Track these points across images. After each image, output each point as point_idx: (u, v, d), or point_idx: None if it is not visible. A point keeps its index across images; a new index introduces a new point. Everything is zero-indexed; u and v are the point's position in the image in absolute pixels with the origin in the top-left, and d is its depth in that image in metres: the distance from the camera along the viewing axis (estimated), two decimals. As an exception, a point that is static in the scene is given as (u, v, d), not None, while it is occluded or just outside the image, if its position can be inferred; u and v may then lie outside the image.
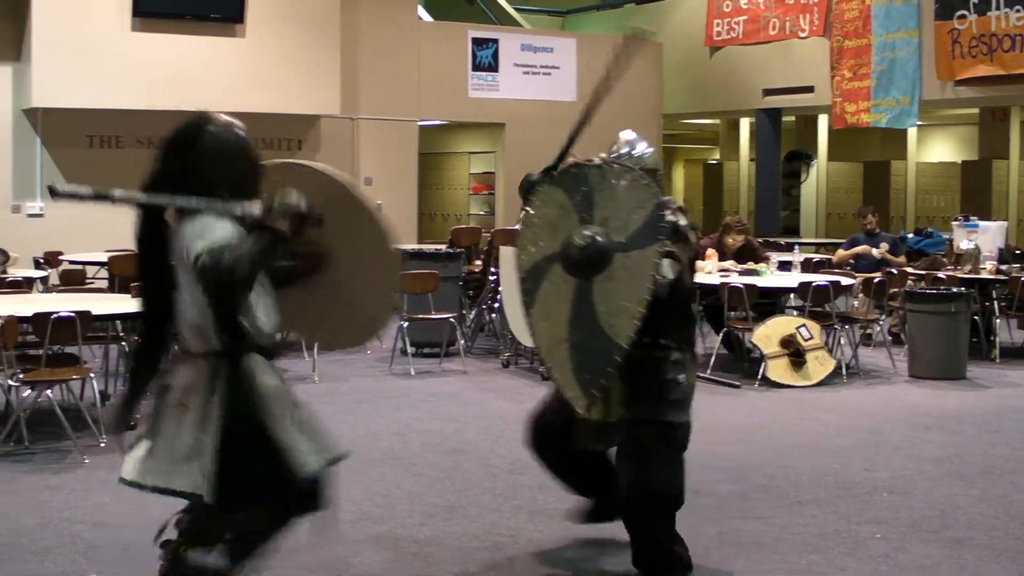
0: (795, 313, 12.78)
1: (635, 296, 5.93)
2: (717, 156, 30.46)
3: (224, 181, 5.01)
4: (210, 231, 4.78)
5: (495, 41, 20.98)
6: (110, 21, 16.42)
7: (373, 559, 6.54)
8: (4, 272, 12.49)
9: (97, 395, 9.81)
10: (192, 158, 5.02)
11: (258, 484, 5.05)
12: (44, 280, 13.28)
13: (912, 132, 25.44)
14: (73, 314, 8.86)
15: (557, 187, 6.31)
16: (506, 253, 13.06)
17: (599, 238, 6.01)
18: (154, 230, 5.06)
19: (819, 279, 12.60)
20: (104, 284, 13.48)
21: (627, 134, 6.83)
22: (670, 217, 6.10)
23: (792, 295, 12.89)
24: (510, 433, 9.59)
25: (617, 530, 6.50)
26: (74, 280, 13.25)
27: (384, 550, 6.70)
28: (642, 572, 6.28)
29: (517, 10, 24.67)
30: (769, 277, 12.88)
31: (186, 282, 4.93)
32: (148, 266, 5.16)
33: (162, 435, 5.11)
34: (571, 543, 6.84)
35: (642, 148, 6.70)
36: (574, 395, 5.96)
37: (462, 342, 13.33)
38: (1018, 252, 15.90)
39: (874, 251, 15.22)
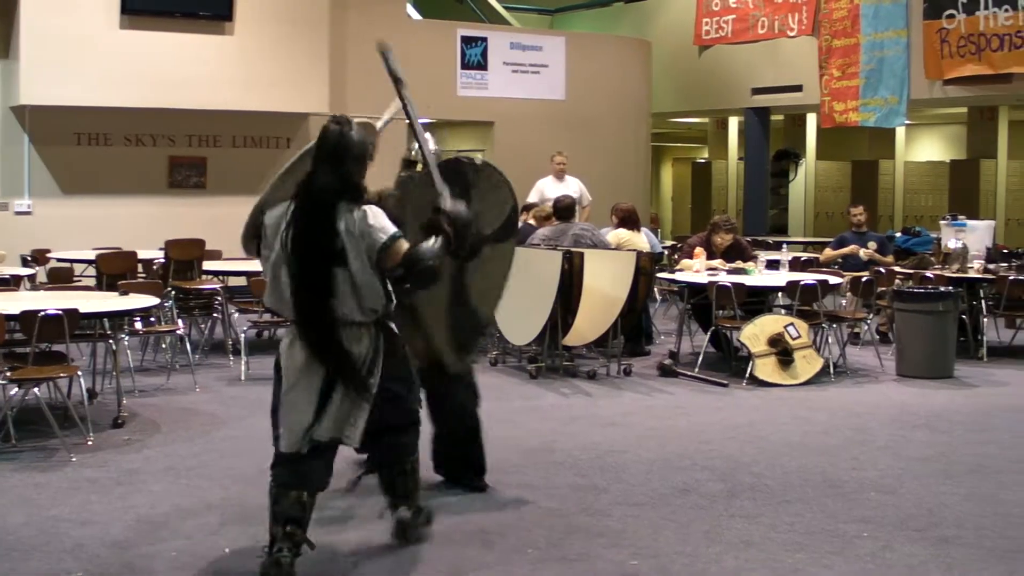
0: (783, 312, 12.78)
1: (499, 283, 7.62)
2: (706, 155, 30.51)
3: (362, 178, 6.24)
4: (386, 220, 6.11)
5: (484, 39, 20.96)
6: (98, 19, 16.39)
7: (361, 557, 6.54)
8: (-9, 270, 12.47)
9: (84, 393, 9.78)
10: (346, 164, 6.15)
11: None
12: (31, 278, 13.23)
13: (900, 131, 25.51)
14: (60, 312, 8.84)
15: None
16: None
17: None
18: (326, 218, 6.01)
19: (807, 278, 12.60)
20: (91, 282, 13.46)
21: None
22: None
23: (780, 294, 12.89)
24: (498, 431, 9.56)
25: (603, 523, 6.49)
26: (61, 278, 13.21)
27: (370, 549, 6.69)
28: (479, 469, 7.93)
29: (506, 8, 24.66)
30: (757, 276, 12.89)
31: (363, 259, 6.02)
32: (319, 249, 6.02)
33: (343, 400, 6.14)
34: (559, 539, 6.84)
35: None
36: (448, 355, 7.44)
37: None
38: (1006, 251, 15.91)
39: (862, 252, 15.20)
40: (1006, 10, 17.73)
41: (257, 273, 12.21)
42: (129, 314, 10.58)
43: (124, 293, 10.44)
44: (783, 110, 24.05)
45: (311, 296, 6.04)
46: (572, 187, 16.31)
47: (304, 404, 6.07)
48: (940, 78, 18.85)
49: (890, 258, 15.37)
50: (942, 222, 15.79)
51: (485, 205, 7.20)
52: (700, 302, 12.76)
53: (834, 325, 12.98)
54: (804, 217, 26.63)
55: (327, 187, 6.05)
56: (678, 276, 13.16)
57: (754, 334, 11.96)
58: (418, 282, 6.49)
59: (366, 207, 6.12)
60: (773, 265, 13.70)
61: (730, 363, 12.58)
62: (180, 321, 12.57)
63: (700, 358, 12.50)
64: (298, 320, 6.14)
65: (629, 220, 14.03)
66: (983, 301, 13.73)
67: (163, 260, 13.76)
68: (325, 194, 6.05)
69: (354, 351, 6.12)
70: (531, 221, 14.42)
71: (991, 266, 14.03)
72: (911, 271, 14.29)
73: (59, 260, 14.21)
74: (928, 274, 13.74)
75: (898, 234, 17.94)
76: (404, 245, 6.12)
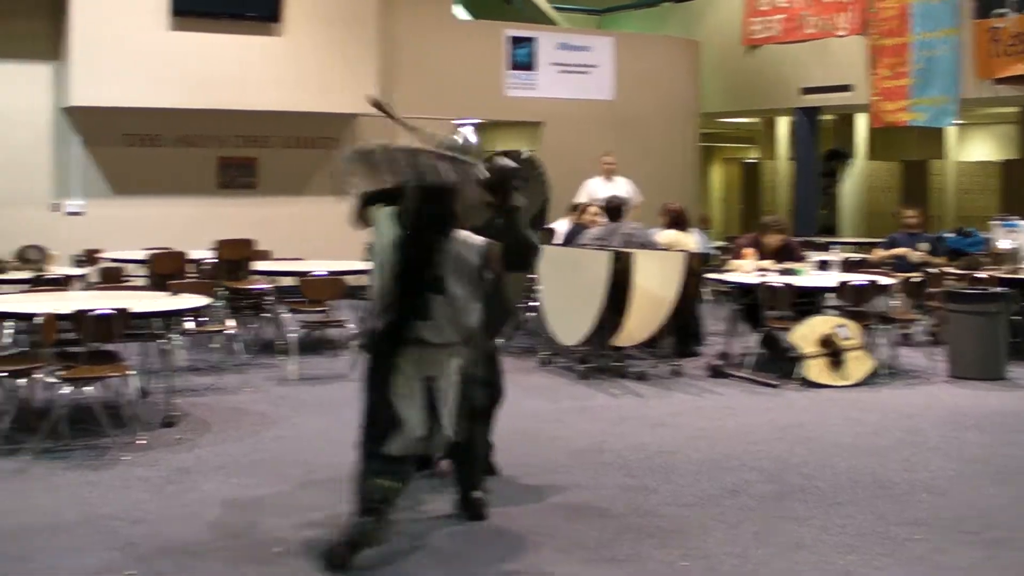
0: (834, 313, 12.72)
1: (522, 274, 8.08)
2: (755, 155, 30.39)
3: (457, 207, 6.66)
4: (473, 238, 6.59)
5: (532, 40, 20.96)
6: (148, 20, 16.49)
7: (410, 558, 6.55)
8: (44, 270, 12.55)
9: (136, 392, 9.85)
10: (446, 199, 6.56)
11: None
12: (83, 278, 13.33)
13: (951, 131, 25.33)
14: (112, 312, 8.89)
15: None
16: (544, 252, 13.01)
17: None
18: (431, 252, 6.49)
19: (858, 279, 12.54)
20: (142, 282, 13.52)
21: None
22: None
23: (831, 295, 12.81)
24: (547, 432, 9.60)
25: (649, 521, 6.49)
26: (112, 278, 13.29)
27: (419, 549, 6.71)
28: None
29: (554, 9, 24.65)
30: (807, 276, 12.83)
31: (465, 281, 6.51)
32: (417, 272, 6.49)
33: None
34: (609, 540, 6.84)
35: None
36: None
37: (500, 340, 13.27)
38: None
39: (913, 255, 15.09)
40: (1057, 9, 17.63)
41: (306, 274, 12.28)
42: (180, 314, 10.62)
43: (175, 293, 10.49)
44: (833, 110, 23.91)
45: (401, 318, 6.49)
46: (621, 187, 16.31)
47: (419, 411, 6.48)
48: (990, 77, 18.72)
49: (941, 260, 15.26)
50: (993, 222, 15.67)
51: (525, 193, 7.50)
52: (750, 303, 12.72)
53: (885, 326, 12.91)
54: (854, 217, 26.49)
55: (432, 224, 6.51)
56: (728, 277, 13.12)
57: (804, 335, 11.91)
58: (531, 257, 7.28)
59: (456, 233, 6.59)
60: (823, 266, 13.64)
61: (780, 364, 12.53)
62: (230, 321, 12.63)
63: (750, 359, 12.46)
64: (384, 332, 6.55)
65: (678, 220, 14.01)
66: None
67: (213, 260, 13.81)
68: (430, 231, 6.51)
69: (450, 365, 6.57)
70: (580, 221, 14.47)
71: (1043, 267, 13.92)
72: (962, 272, 14.19)
73: (110, 260, 14.29)
74: (980, 275, 13.65)
75: (949, 235, 17.82)
76: (495, 248, 6.64)
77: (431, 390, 6.50)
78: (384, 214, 6.60)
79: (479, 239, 6.59)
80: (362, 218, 6.81)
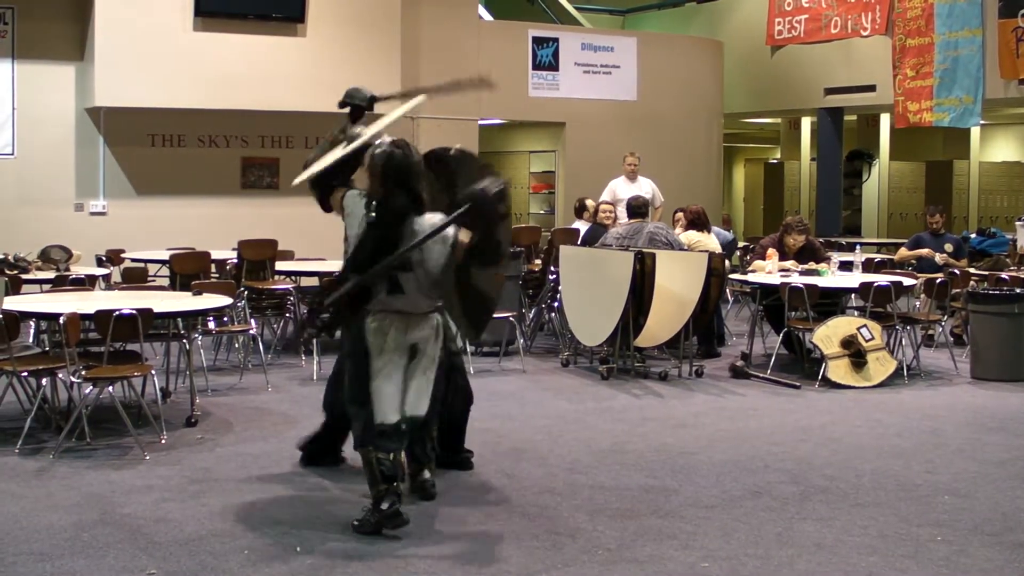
0: (856, 314, 12.69)
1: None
2: (778, 155, 30.34)
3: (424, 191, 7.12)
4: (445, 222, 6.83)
5: (555, 40, 20.94)
6: (172, 21, 16.50)
7: (433, 558, 6.55)
8: (67, 270, 12.59)
9: (158, 392, 9.87)
10: (412, 182, 7.02)
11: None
12: (106, 278, 13.36)
13: (975, 131, 25.25)
14: (134, 311, 8.91)
15: None
16: (566, 252, 13.04)
17: None
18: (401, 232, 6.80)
19: (880, 279, 12.50)
20: (165, 282, 13.55)
21: None
22: None
23: (853, 295, 12.78)
24: (569, 432, 9.59)
25: (677, 524, 6.47)
26: (135, 278, 13.32)
27: (443, 549, 6.70)
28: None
29: (578, 9, 24.65)
30: (830, 277, 12.79)
31: (436, 260, 6.76)
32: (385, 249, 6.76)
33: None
34: (630, 540, 6.83)
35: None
36: (463, 328, 7.88)
37: (522, 341, 13.29)
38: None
39: (937, 256, 15.04)
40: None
41: (329, 274, 12.29)
42: (202, 314, 10.66)
43: (197, 293, 10.50)
44: (856, 110, 23.88)
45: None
46: (644, 187, 16.30)
47: (396, 380, 6.92)
48: (1015, 77, 18.67)
49: (963, 261, 15.21)
50: (1018, 223, 15.65)
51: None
52: (772, 303, 12.70)
53: (908, 327, 12.88)
54: (878, 218, 26.42)
55: (401, 208, 6.81)
56: (750, 277, 13.09)
57: (827, 336, 11.88)
58: (495, 256, 7.10)
59: (428, 215, 6.88)
60: (846, 266, 13.60)
61: (802, 365, 12.51)
62: (252, 321, 12.66)
63: (772, 360, 12.44)
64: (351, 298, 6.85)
65: (698, 222, 13.98)
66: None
67: (236, 260, 13.83)
68: (400, 213, 6.82)
69: (421, 335, 6.99)
70: (596, 220, 14.53)
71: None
72: (986, 273, 14.15)
73: (133, 260, 14.31)
74: (1004, 276, 13.61)
75: (973, 235, 17.77)
76: (464, 235, 6.82)
77: (410, 366, 6.93)
78: (353, 196, 7.09)
79: (450, 229, 6.79)
80: (326, 202, 7.45)
